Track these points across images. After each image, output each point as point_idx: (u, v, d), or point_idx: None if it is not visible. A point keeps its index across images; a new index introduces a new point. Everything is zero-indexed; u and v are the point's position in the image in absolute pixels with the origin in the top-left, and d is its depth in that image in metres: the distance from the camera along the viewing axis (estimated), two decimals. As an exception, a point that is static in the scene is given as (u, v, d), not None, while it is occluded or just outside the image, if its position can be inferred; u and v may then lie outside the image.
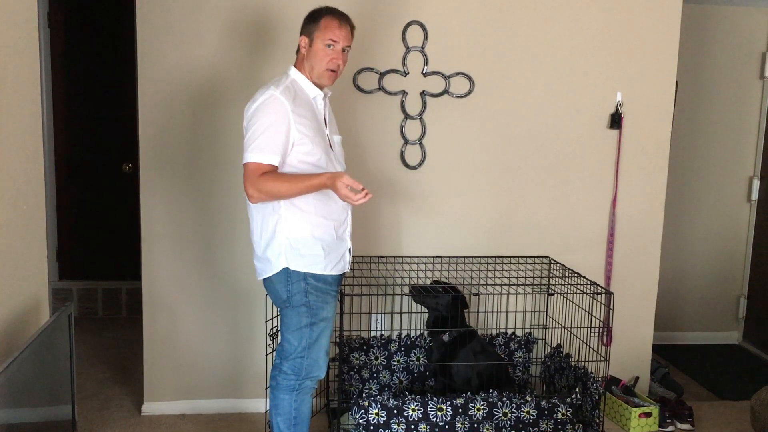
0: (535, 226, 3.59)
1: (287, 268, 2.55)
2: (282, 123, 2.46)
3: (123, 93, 4.70)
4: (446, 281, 3.29)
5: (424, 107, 3.44)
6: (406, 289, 3.24)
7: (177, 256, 3.37)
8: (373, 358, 3.47)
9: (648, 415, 3.35)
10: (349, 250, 2.71)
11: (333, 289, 2.66)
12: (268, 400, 2.79)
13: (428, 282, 3.30)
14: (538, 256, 3.57)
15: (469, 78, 3.45)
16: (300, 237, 2.54)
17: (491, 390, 3.03)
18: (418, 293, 3.19)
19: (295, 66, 2.64)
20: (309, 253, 2.56)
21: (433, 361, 3.25)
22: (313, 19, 2.60)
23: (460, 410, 2.93)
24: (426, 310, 3.29)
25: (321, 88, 2.65)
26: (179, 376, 3.44)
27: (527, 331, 3.62)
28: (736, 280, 4.77)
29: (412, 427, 2.91)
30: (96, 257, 4.96)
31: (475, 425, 2.95)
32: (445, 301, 3.17)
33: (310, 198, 2.54)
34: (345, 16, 2.62)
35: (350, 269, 2.77)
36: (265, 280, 2.65)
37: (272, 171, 2.46)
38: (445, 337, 3.19)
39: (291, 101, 2.49)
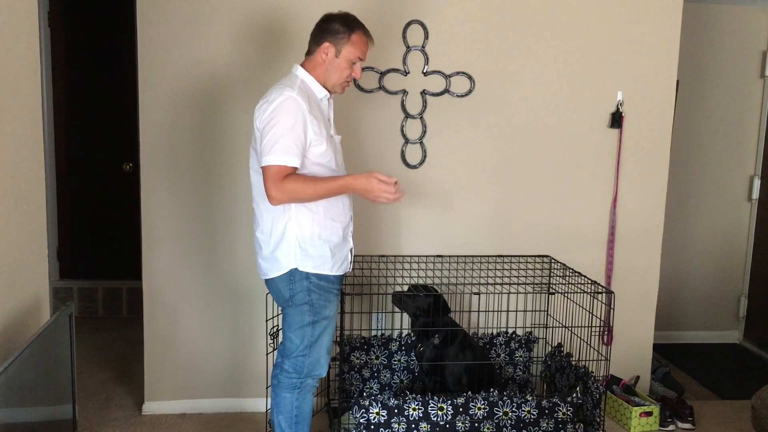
0: (536, 225, 3.59)
1: (294, 268, 2.56)
2: (301, 124, 2.46)
3: (123, 92, 4.70)
4: (424, 285, 3.25)
5: (424, 106, 3.44)
6: (407, 289, 3.23)
7: (177, 256, 3.37)
8: (373, 357, 3.47)
9: (649, 414, 3.35)
10: (351, 250, 2.72)
11: (335, 288, 2.67)
12: (268, 399, 2.80)
13: (407, 287, 3.27)
14: (538, 256, 3.57)
15: (470, 77, 3.44)
16: (309, 238, 2.55)
17: (492, 389, 3.03)
18: (399, 299, 3.17)
19: (302, 66, 2.63)
20: (317, 254, 2.57)
21: (425, 361, 3.24)
22: (344, 30, 2.57)
23: (461, 409, 2.93)
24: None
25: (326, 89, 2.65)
26: (180, 375, 3.44)
27: (528, 330, 3.62)
28: (737, 279, 4.77)
29: (413, 426, 2.91)
30: (96, 257, 4.96)
31: (476, 424, 2.95)
32: (425, 304, 3.16)
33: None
34: (368, 31, 2.65)
35: (351, 268, 2.78)
36: (267, 279, 2.65)
37: (294, 173, 2.47)
38: (435, 340, 3.19)
39: (306, 102, 2.49)
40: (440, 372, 3.21)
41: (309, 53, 2.63)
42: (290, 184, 2.43)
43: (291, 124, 2.44)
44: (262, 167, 2.47)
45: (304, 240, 2.55)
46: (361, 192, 2.53)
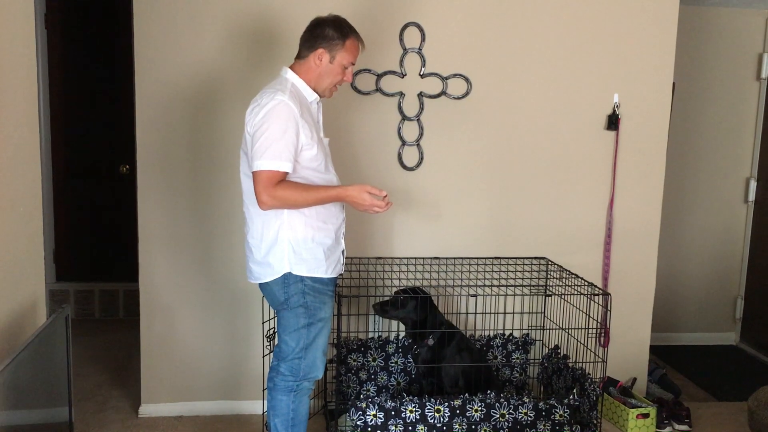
0: (533, 227, 3.60)
1: (288, 272, 2.56)
2: (293, 129, 2.46)
3: (120, 94, 4.70)
4: (406, 287, 3.22)
5: (421, 108, 3.44)
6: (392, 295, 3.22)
7: (174, 258, 3.37)
8: (370, 359, 3.47)
9: (645, 416, 3.35)
10: (343, 251, 2.72)
11: (330, 290, 2.67)
12: (265, 401, 2.79)
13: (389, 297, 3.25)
14: (535, 258, 3.58)
15: (467, 79, 3.45)
16: (302, 241, 2.55)
17: (489, 391, 3.03)
18: (382, 309, 3.15)
19: (292, 69, 2.63)
20: (311, 257, 2.57)
21: (421, 363, 3.24)
22: (338, 36, 2.56)
23: (458, 411, 2.93)
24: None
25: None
26: (176, 377, 3.44)
27: (525, 332, 3.62)
28: (733, 281, 4.78)
29: (410, 428, 2.91)
30: (93, 259, 4.95)
31: (473, 426, 2.95)
32: (411, 306, 3.15)
33: None
34: (359, 34, 2.66)
35: (348, 271, 2.78)
36: (261, 282, 2.65)
37: (285, 178, 2.47)
38: (430, 341, 3.19)
39: (298, 106, 2.50)
40: (437, 374, 3.21)
41: (300, 57, 2.63)
42: (282, 191, 2.43)
43: (283, 128, 2.44)
44: (254, 172, 2.46)
45: (297, 243, 2.55)
46: (351, 203, 2.55)
